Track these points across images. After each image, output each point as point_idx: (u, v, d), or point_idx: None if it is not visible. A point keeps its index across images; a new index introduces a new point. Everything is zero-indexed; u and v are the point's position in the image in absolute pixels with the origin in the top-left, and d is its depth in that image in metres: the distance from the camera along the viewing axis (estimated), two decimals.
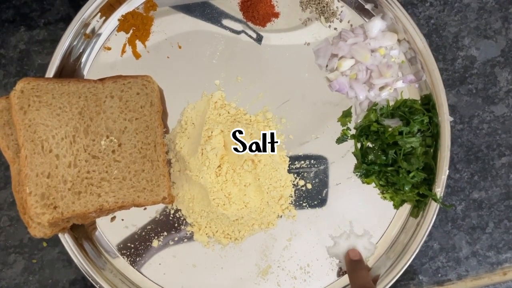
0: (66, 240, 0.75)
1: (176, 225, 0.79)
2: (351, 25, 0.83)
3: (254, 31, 0.83)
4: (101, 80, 0.76)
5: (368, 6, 0.83)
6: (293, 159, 0.81)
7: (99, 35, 0.81)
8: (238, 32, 0.83)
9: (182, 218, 0.79)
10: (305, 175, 0.81)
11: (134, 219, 0.79)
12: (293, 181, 0.81)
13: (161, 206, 0.79)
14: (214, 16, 0.83)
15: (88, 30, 0.80)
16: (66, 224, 0.73)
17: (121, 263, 0.79)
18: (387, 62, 0.81)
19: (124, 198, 0.73)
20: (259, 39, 0.83)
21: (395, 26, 0.81)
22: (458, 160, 0.84)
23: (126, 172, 0.73)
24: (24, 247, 0.80)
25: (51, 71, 0.77)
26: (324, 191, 0.81)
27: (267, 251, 0.79)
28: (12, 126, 0.72)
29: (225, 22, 0.83)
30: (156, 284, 0.79)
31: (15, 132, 0.71)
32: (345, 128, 0.82)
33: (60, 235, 0.74)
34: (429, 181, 0.79)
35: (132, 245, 0.79)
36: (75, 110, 0.73)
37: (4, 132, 0.72)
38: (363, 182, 0.81)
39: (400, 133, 0.78)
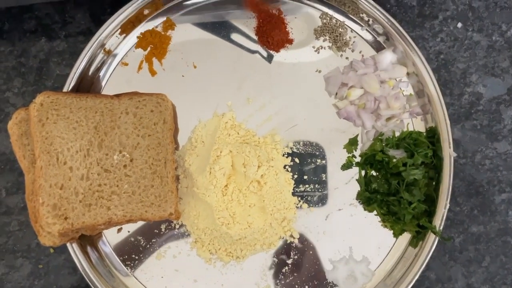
0: (73, 248, 0.77)
1: (180, 239, 0.81)
2: (362, 55, 0.85)
3: (268, 53, 0.85)
4: (117, 96, 0.79)
5: (380, 39, 0.85)
6: (298, 182, 0.83)
7: (118, 51, 0.84)
8: (252, 52, 0.85)
9: (186, 234, 0.81)
10: (308, 198, 0.83)
11: (140, 231, 0.81)
12: (297, 204, 0.83)
13: (166, 220, 0.81)
14: (230, 37, 0.85)
15: (108, 46, 0.83)
16: (75, 235, 0.75)
17: (125, 273, 0.81)
18: (396, 94, 0.83)
19: (132, 212, 0.75)
20: (270, 60, 0.85)
21: (405, 59, 0.83)
22: (459, 193, 0.86)
23: (136, 187, 0.76)
24: (31, 252, 0.83)
25: (70, 83, 0.79)
26: (326, 216, 0.82)
27: (267, 271, 0.81)
28: (29, 137, 0.74)
29: (241, 43, 0.85)
30: None
31: (32, 143, 0.73)
32: (350, 155, 0.84)
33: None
34: (430, 213, 0.80)
35: (136, 257, 0.81)
36: (91, 124, 0.75)
37: (21, 142, 0.74)
38: (365, 209, 0.83)
39: (404, 164, 0.79)
